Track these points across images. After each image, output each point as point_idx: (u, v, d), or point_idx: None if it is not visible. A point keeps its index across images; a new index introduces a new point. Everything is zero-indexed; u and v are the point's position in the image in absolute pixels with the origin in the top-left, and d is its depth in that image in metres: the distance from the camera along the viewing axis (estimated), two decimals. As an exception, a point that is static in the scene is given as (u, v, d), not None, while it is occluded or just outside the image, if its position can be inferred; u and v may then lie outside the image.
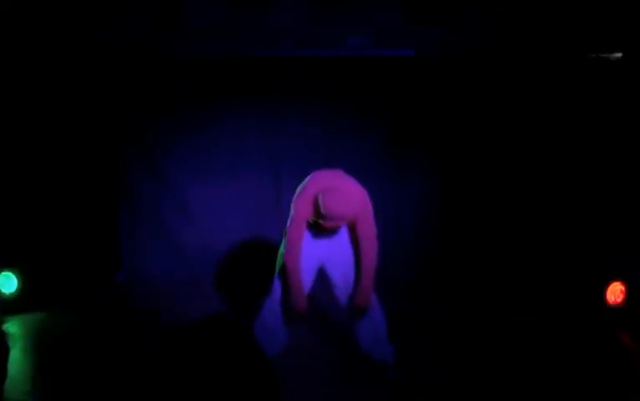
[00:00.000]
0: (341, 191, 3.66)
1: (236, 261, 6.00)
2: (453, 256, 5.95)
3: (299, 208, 3.79)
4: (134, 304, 5.62)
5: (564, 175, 5.71)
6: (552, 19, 4.86)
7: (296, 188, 3.91)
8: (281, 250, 3.97)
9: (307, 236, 3.99)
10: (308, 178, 3.84)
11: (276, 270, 4.00)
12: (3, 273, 5.38)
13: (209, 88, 5.88)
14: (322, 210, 3.63)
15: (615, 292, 5.23)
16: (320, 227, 3.82)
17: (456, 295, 5.71)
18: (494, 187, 5.90)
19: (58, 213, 5.68)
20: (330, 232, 3.92)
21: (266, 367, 4.05)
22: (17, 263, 5.42)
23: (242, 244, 5.98)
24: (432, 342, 4.74)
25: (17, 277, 5.40)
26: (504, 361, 4.38)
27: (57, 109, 5.65)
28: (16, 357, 4.56)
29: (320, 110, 5.92)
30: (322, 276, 4.09)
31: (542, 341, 4.71)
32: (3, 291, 5.36)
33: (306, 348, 4.51)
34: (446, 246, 5.98)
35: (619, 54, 5.40)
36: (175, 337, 4.84)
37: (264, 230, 5.83)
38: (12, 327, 5.08)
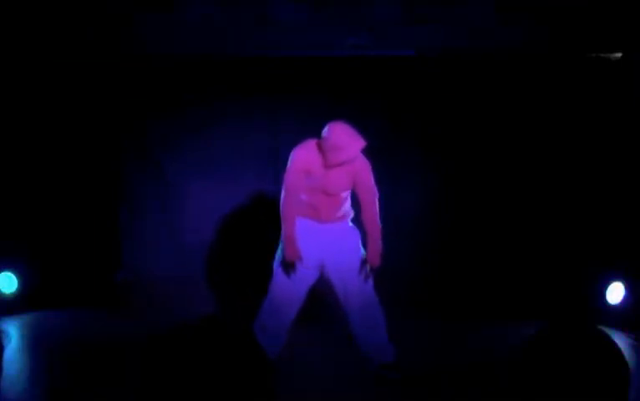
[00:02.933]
0: (346, 124, 3.83)
1: (236, 261, 6.00)
2: (453, 255, 5.95)
3: (299, 156, 3.90)
4: (134, 304, 5.62)
5: (564, 176, 5.71)
6: (552, 19, 4.86)
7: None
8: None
9: (307, 235, 3.99)
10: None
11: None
12: (3, 273, 5.38)
13: (209, 87, 5.87)
14: (329, 142, 3.74)
15: (615, 292, 5.23)
16: (318, 176, 3.86)
17: (456, 295, 5.71)
18: (494, 187, 5.89)
19: (58, 213, 5.68)
20: (330, 197, 3.93)
21: (266, 368, 4.05)
22: (16, 263, 5.42)
23: (242, 244, 5.97)
24: (432, 343, 4.74)
25: (16, 277, 5.40)
26: (504, 361, 4.38)
27: (57, 108, 5.65)
28: (15, 357, 4.56)
29: (320, 110, 5.91)
30: (321, 276, 4.09)
31: (542, 341, 4.71)
32: (3, 291, 5.37)
33: (306, 349, 4.51)
34: (446, 246, 5.98)
35: (619, 54, 5.40)
36: (175, 337, 4.84)
37: (264, 230, 5.82)
38: (11, 327, 5.09)
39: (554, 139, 5.72)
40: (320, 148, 3.83)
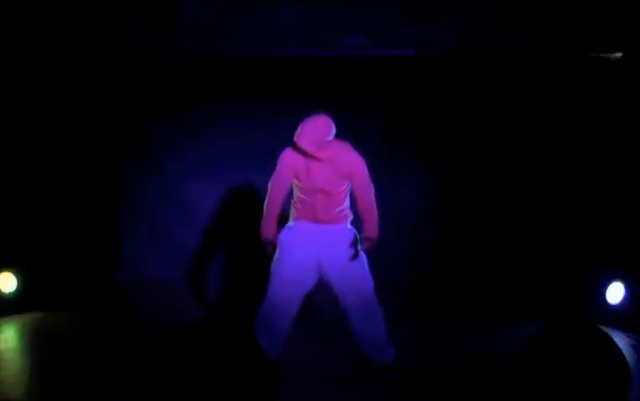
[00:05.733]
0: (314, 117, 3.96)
1: (236, 261, 6.00)
2: (453, 255, 5.95)
3: (284, 156, 4.02)
4: (134, 304, 5.63)
5: (564, 176, 5.71)
6: (553, 19, 4.86)
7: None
8: None
9: (304, 237, 4.00)
10: None
11: None
12: (3, 273, 5.39)
13: (209, 87, 5.88)
14: (305, 135, 3.86)
15: (615, 292, 5.23)
16: (305, 174, 3.93)
17: (456, 295, 5.71)
18: (494, 187, 5.90)
19: (58, 213, 5.68)
20: (324, 181, 3.94)
21: (266, 367, 4.06)
22: (16, 263, 5.42)
23: (242, 244, 5.97)
24: (432, 343, 4.74)
25: (16, 277, 5.40)
26: (503, 360, 4.38)
27: (57, 109, 5.65)
28: (15, 357, 4.57)
29: (319, 110, 5.90)
30: (320, 278, 4.09)
31: (542, 341, 4.72)
32: (3, 291, 5.37)
33: (306, 349, 4.52)
34: (446, 245, 5.98)
35: (619, 54, 5.40)
36: (174, 337, 4.84)
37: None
38: (12, 326, 5.09)
39: (554, 139, 5.73)
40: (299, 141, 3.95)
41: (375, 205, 4.03)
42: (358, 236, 4.03)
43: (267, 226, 4.04)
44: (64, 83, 5.64)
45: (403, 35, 5.22)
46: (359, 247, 4.01)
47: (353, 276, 3.99)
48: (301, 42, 5.34)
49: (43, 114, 5.61)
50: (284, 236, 4.07)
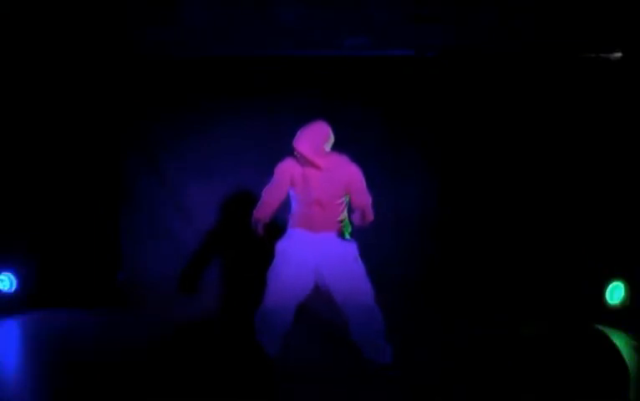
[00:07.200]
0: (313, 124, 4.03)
1: (235, 261, 6.00)
2: (452, 256, 5.95)
3: (281, 166, 4.06)
4: (134, 304, 5.63)
5: (564, 175, 5.71)
6: (553, 19, 4.87)
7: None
8: None
9: (301, 246, 4.00)
10: None
11: None
12: (3, 273, 5.39)
13: (209, 88, 5.88)
14: (303, 140, 3.93)
15: (615, 292, 5.24)
16: (302, 183, 3.96)
17: (455, 295, 5.71)
18: (493, 187, 5.90)
19: (58, 213, 5.69)
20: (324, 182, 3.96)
21: (266, 366, 4.06)
22: (17, 263, 5.42)
23: (242, 244, 5.97)
24: (432, 342, 4.75)
25: (17, 277, 5.41)
26: (503, 360, 4.38)
27: (57, 109, 5.66)
28: (15, 357, 4.57)
29: (320, 110, 5.90)
30: (317, 284, 4.10)
31: (542, 341, 4.72)
32: (3, 290, 5.38)
33: (306, 349, 4.52)
34: (445, 246, 5.98)
35: (619, 54, 5.40)
36: (175, 337, 4.85)
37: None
38: (12, 326, 5.10)
39: (554, 138, 5.73)
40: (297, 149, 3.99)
41: (372, 210, 4.03)
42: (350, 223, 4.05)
43: (260, 211, 4.08)
44: (65, 84, 5.64)
45: (403, 35, 5.23)
46: (349, 227, 4.02)
47: (352, 281, 4.00)
48: (301, 42, 5.35)
49: (44, 115, 5.62)
50: (281, 244, 4.08)
